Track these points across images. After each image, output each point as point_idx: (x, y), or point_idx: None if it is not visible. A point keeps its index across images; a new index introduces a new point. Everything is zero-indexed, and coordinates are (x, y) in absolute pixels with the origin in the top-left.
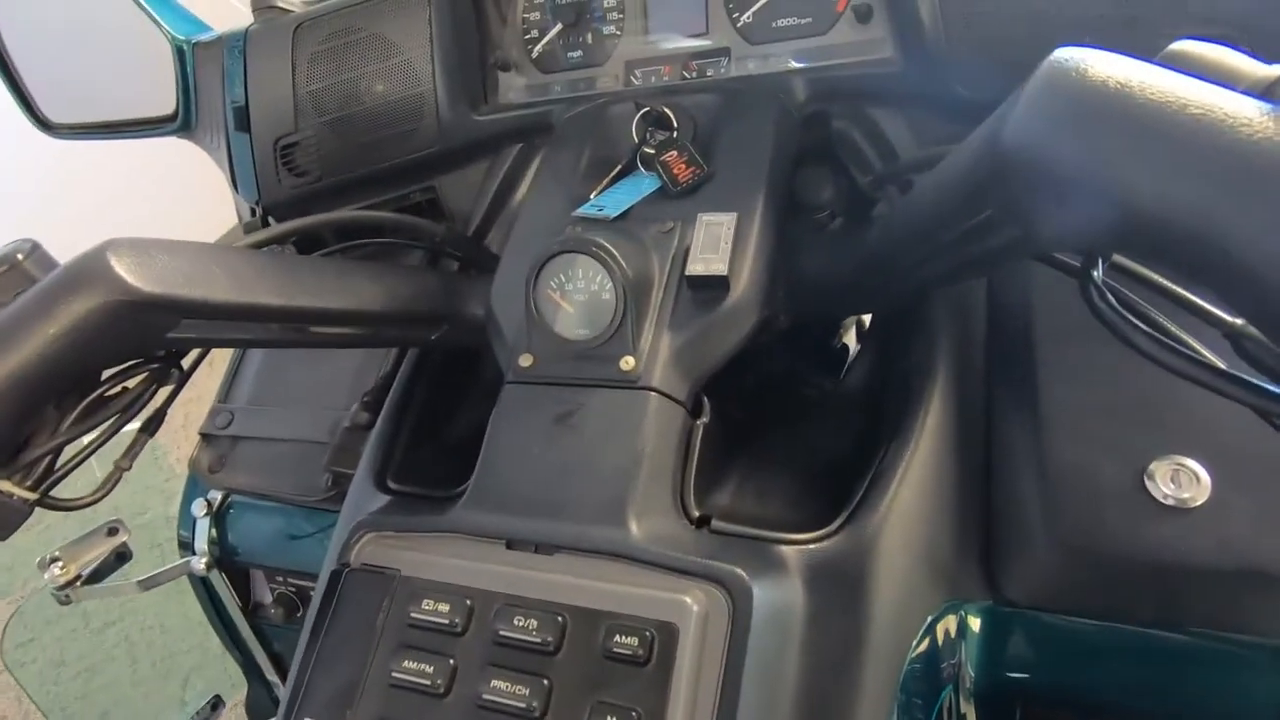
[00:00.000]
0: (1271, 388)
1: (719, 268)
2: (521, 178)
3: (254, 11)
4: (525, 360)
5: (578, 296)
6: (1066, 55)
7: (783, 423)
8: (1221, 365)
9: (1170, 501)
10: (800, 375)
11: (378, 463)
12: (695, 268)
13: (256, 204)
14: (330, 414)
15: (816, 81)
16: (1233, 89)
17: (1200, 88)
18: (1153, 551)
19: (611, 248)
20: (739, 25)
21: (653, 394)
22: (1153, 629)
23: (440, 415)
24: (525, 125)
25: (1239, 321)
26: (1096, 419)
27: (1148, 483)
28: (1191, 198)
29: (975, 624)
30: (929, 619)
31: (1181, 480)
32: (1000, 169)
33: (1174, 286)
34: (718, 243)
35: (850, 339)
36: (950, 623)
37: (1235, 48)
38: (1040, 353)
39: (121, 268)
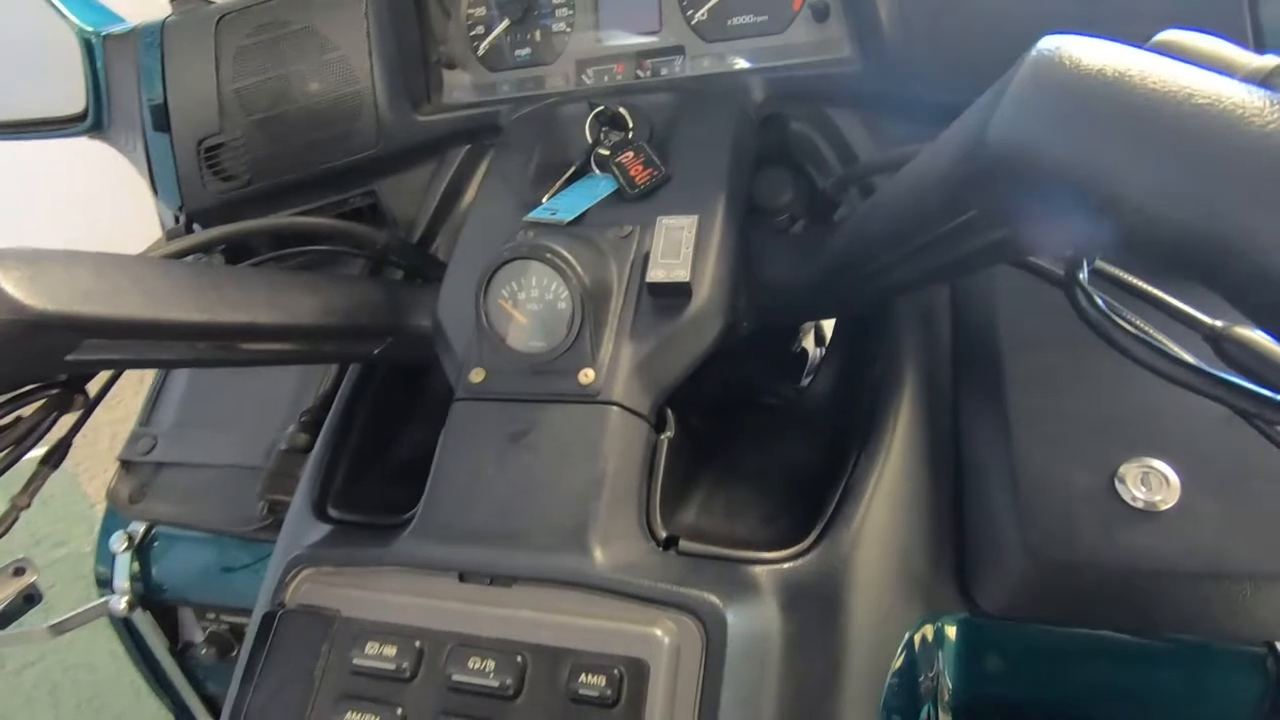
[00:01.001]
0: (1255, 389)
1: (681, 274)
2: (468, 181)
3: (172, 2)
4: (476, 375)
5: (531, 306)
6: (1055, 44)
7: (747, 433)
8: (1207, 368)
9: (1141, 504)
10: (763, 382)
11: (317, 489)
12: (656, 274)
13: (180, 210)
14: (264, 436)
15: (774, 82)
16: (1230, 77)
17: (1203, 77)
18: (1124, 556)
19: (567, 253)
20: (693, 23)
21: (614, 408)
22: (1126, 634)
23: (385, 435)
24: (471, 126)
25: (1219, 324)
26: (1065, 424)
27: (1118, 486)
28: (1203, 197)
29: (951, 635)
30: (907, 635)
31: (1151, 482)
32: (986, 168)
33: (1153, 289)
34: (678, 248)
35: (809, 343)
36: (928, 632)
37: (1222, 37)
38: (1007, 358)
39: (9, 282)
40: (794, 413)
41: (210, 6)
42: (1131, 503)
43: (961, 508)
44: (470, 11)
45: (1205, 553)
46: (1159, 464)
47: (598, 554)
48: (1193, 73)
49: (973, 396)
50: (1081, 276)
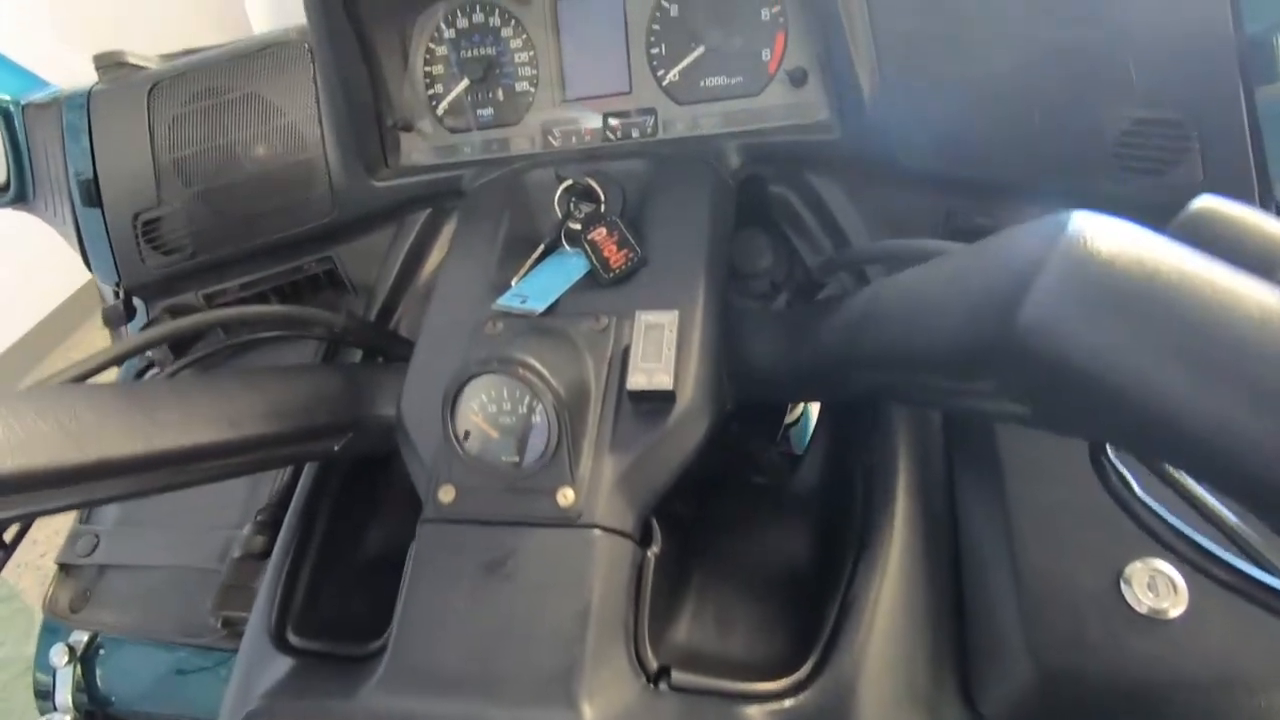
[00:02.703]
0: None
1: (664, 380)
2: (430, 245)
3: (98, 69)
4: (446, 494)
5: (504, 420)
6: (1090, 230)
7: (735, 520)
8: (1243, 567)
9: (1148, 610)
10: (748, 460)
11: (275, 612)
12: (637, 380)
13: (118, 286)
14: (218, 534)
15: (750, 148)
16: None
17: (1253, 287)
18: (1132, 665)
19: (541, 367)
20: (664, 84)
21: (597, 531)
22: None
23: (350, 533)
24: (432, 190)
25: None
26: (1068, 518)
27: (1124, 588)
28: (1266, 431)
29: None
30: None
31: (1159, 587)
32: (1013, 351)
33: (1187, 483)
34: (659, 349)
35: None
36: None
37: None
38: (1004, 449)
39: None
40: (783, 498)
41: (141, 73)
42: (1137, 607)
43: (962, 605)
44: (428, 70)
45: (1215, 663)
46: (1165, 566)
47: (586, 708)
48: (1240, 281)
49: (970, 485)
50: (1110, 453)
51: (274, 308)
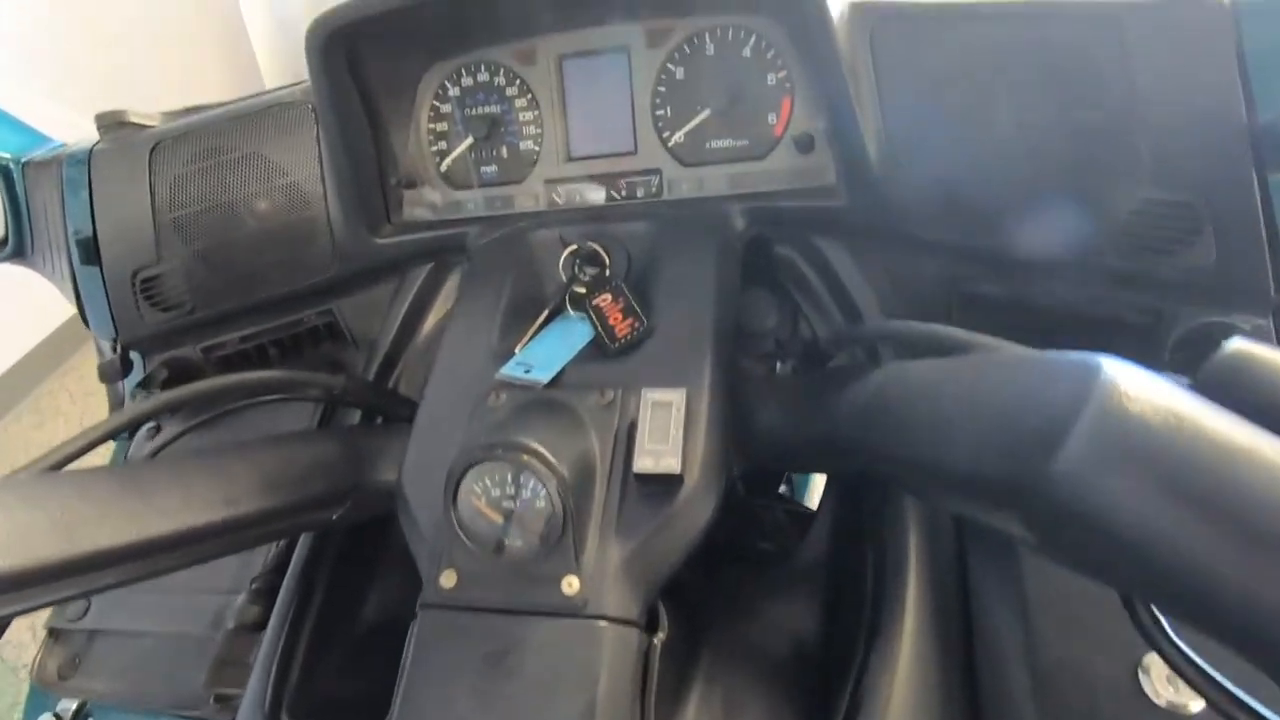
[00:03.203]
0: None
1: (671, 463)
2: (433, 300)
3: (100, 128)
4: (448, 579)
5: (508, 504)
6: (1127, 384)
7: (742, 601)
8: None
9: (1166, 704)
10: (753, 522)
11: (269, 692)
12: (644, 463)
13: (115, 340)
14: (211, 599)
15: (756, 211)
16: None
17: None
18: None
19: (545, 452)
20: (670, 145)
21: (603, 622)
22: None
23: (348, 602)
24: (435, 247)
25: None
26: (1085, 606)
27: (1142, 679)
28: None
29: None
30: None
31: (1179, 680)
32: (1040, 495)
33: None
34: (666, 429)
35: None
36: None
37: None
38: None
39: None
40: (790, 571)
41: (143, 133)
42: (1156, 700)
43: (976, 693)
44: (432, 127)
45: None
46: None
47: None
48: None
49: (984, 568)
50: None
51: (271, 373)
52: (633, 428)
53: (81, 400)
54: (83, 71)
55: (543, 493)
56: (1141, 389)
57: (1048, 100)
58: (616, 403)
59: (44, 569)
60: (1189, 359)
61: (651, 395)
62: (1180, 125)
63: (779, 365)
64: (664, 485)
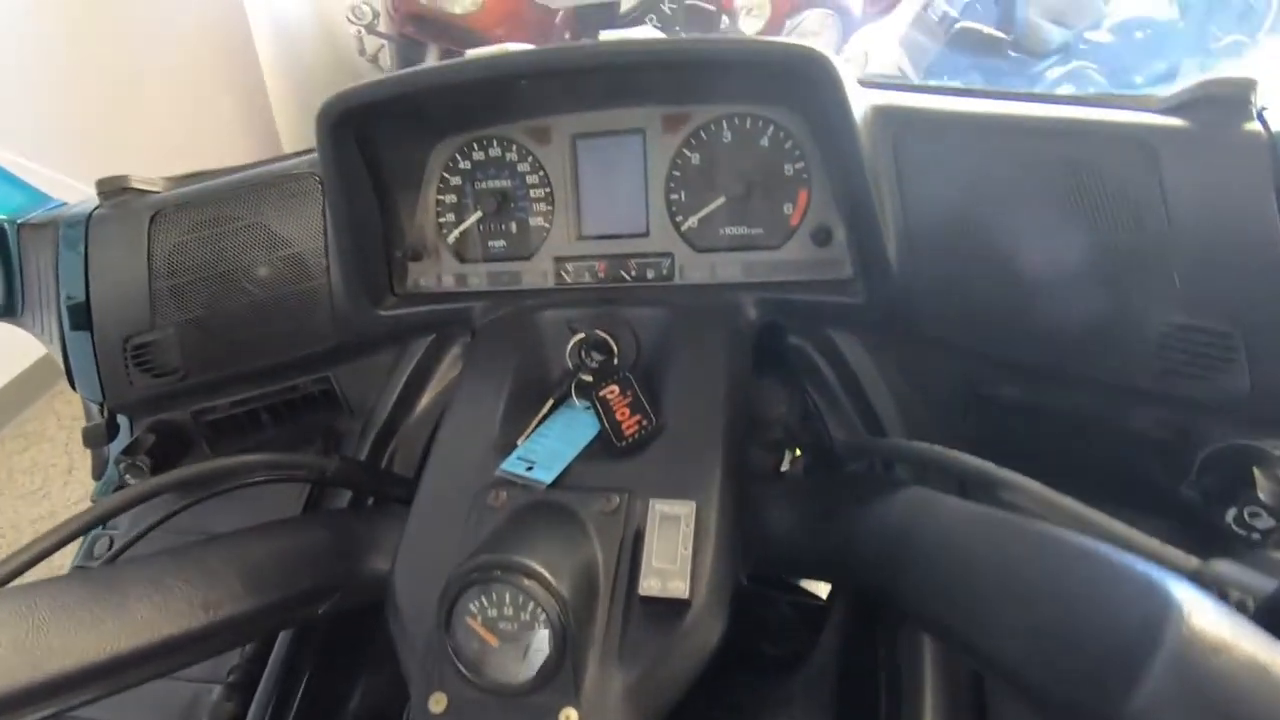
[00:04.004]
0: None
1: (679, 588)
2: (433, 372)
3: (100, 194)
4: (437, 703)
5: (504, 626)
6: (1206, 625)
7: (747, 711)
8: None
9: None
10: (759, 625)
11: None
12: (650, 585)
13: (102, 404)
14: (183, 690)
15: (769, 301)
16: None
17: None
18: None
19: (546, 573)
20: (683, 229)
21: None
22: None
23: (333, 699)
24: (439, 319)
25: None
26: None
27: None
28: None
29: None
30: None
31: None
32: None
33: None
34: (674, 548)
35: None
36: None
37: None
38: None
39: None
40: (798, 684)
41: (144, 199)
42: None
43: None
44: (440, 199)
45: None
46: None
47: None
48: None
49: (1004, 705)
50: None
51: (260, 456)
52: (639, 538)
53: (69, 425)
54: (93, 132)
55: (543, 617)
56: (1215, 628)
57: (1075, 217)
58: (622, 509)
59: (6, 697)
60: (1218, 483)
61: (660, 507)
62: (1216, 255)
63: (788, 455)
64: (670, 608)
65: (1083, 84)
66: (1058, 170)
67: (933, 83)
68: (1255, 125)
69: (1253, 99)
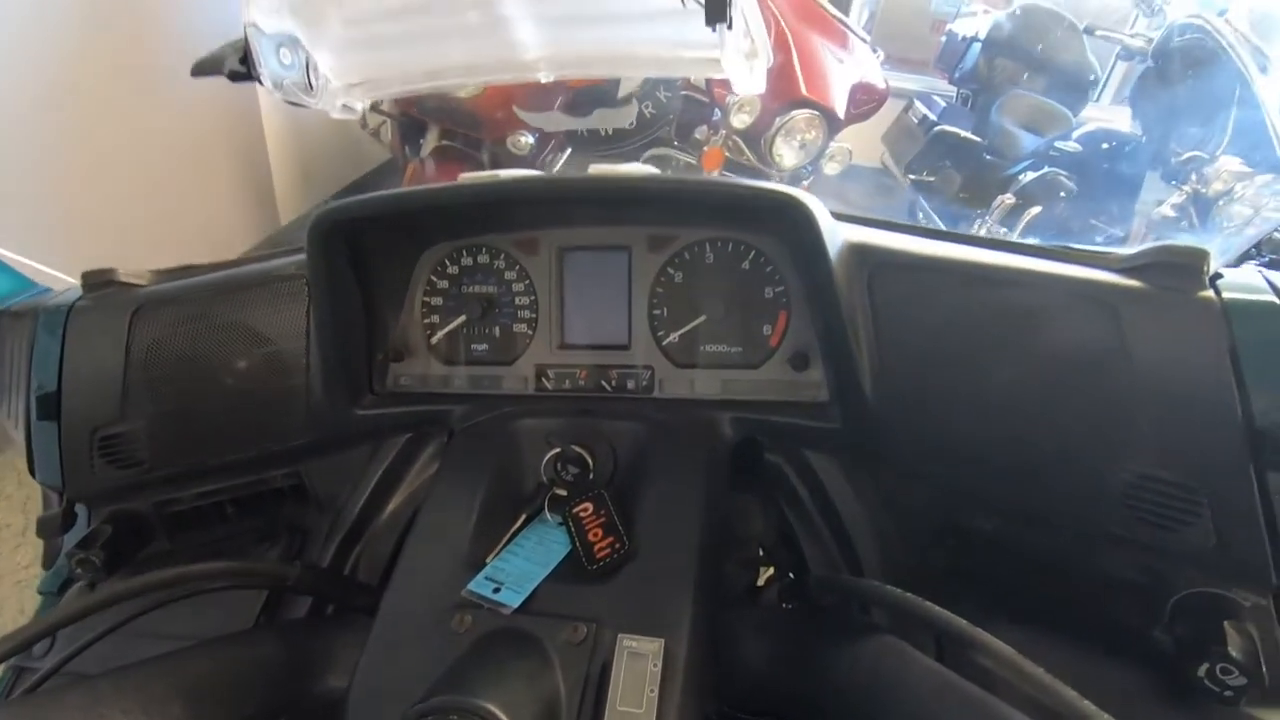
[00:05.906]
0: None
1: None
2: (407, 471)
3: (84, 286)
4: None
5: None
6: None
7: None
8: None
9: None
10: None
11: None
12: None
13: (61, 493)
14: None
15: (746, 421)
16: None
17: None
18: None
19: (505, 717)
20: (663, 345)
21: None
22: None
23: None
24: (416, 420)
25: None
26: None
27: None
28: None
29: None
30: None
31: None
32: None
33: None
34: (641, 687)
35: None
36: None
37: None
38: None
39: None
40: None
41: (128, 293)
42: None
43: None
44: (426, 301)
45: None
46: None
47: None
48: None
49: None
50: None
51: (219, 565)
52: (604, 671)
53: (29, 484)
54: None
55: None
56: None
57: (1040, 364)
58: (589, 641)
59: None
60: (1190, 633)
61: (628, 643)
62: (1176, 412)
63: (763, 570)
64: None
65: (1054, 190)
66: (1023, 319)
67: (906, 222)
68: (1209, 293)
69: (1205, 269)
